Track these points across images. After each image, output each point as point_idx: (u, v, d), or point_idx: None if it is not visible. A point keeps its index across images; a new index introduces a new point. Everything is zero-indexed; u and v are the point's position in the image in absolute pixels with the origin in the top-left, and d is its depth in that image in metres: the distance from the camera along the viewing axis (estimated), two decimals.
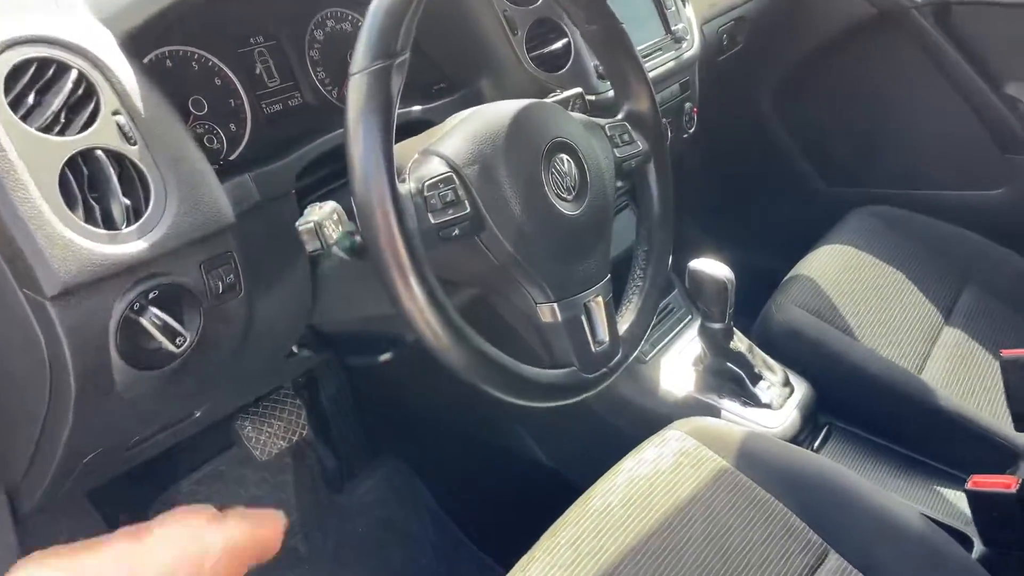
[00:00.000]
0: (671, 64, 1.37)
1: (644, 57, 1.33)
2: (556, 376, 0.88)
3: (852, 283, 1.64)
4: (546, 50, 1.20)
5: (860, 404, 1.46)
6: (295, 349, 1.11)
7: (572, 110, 1.11)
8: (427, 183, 0.79)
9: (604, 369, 0.93)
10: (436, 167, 0.81)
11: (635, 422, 1.38)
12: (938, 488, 1.36)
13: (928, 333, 1.57)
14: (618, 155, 1.00)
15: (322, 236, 0.77)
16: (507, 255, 0.84)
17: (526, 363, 0.85)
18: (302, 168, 0.94)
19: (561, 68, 1.21)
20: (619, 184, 1.05)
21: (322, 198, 0.86)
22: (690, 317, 1.54)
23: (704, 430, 1.24)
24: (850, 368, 1.45)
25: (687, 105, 1.43)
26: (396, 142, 0.80)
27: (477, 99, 1.17)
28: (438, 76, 1.19)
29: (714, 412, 1.36)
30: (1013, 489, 1.06)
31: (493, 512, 1.65)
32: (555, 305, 0.88)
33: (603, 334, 0.93)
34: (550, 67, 1.20)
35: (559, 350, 0.90)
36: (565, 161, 0.90)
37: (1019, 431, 1.28)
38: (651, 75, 1.30)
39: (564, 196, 0.89)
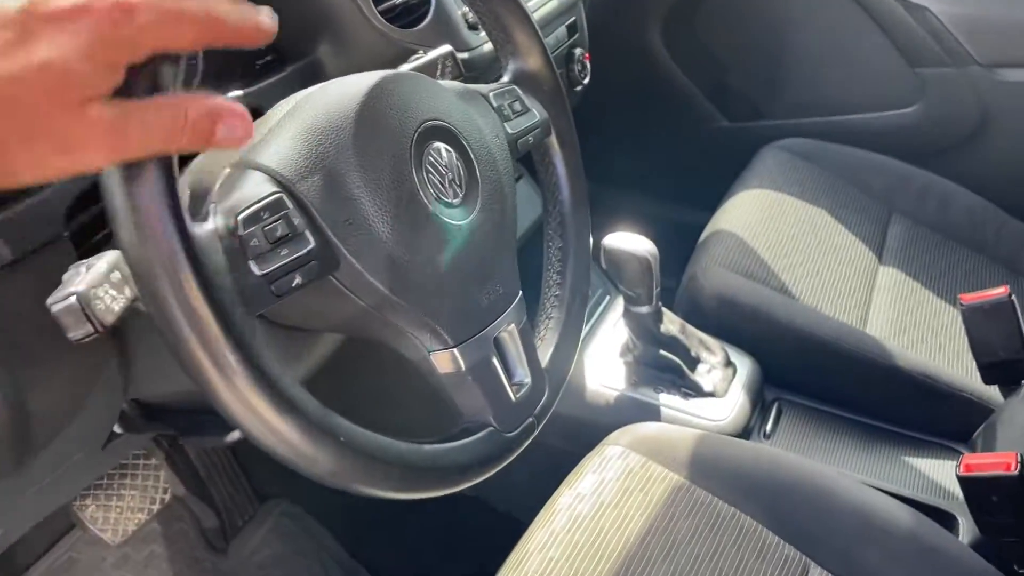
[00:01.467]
0: (553, 3, 1.13)
1: None
2: (467, 448, 0.65)
3: (776, 231, 1.46)
4: (398, 0, 0.94)
5: (808, 372, 1.30)
6: (117, 430, 0.84)
7: (441, 77, 0.86)
8: (243, 215, 0.54)
9: (530, 419, 0.71)
10: (256, 188, 0.56)
11: (566, 436, 1.17)
12: (908, 459, 1.21)
13: (865, 278, 1.42)
14: (510, 130, 0.76)
15: (93, 315, 0.51)
16: (377, 295, 0.60)
17: (427, 424, 0.62)
18: (72, 201, 0.66)
19: (420, 21, 0.95)
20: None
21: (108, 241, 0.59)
22: (609, 298, 1.33)
23: (648, 440, 1.04)
24: (792, 332, 1.28)
25: (577, 51, 1.20)
26: (190, 155, 0.54)
27: (316, 73, 0.90)
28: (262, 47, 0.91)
29: (653, 412, 1.16)
30: (1014, 471, 0.90)
31: (416, 557, 1.42)
32: (455, 351, 0.64)
33: (522, 373, 0.70)
34: (406, 21, 0.94)
35: (468, 407, 0.67)
36: (443, 151, 0.65)
37: (987, 383, 1.13)
38: (538, 16, 1.07)
39: (448, 199, 0.65)
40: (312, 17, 0.89)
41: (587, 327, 1.26)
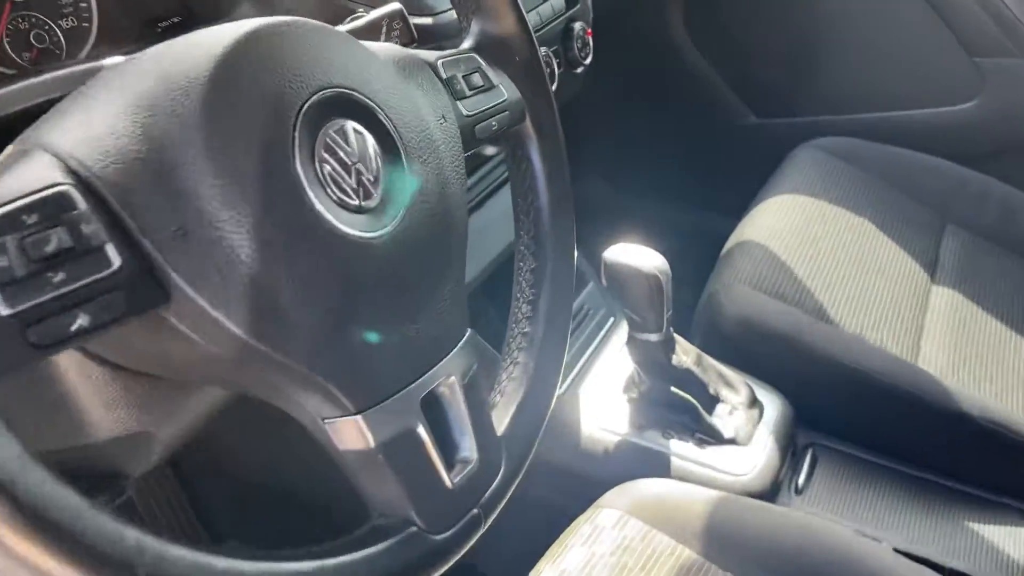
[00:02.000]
0: None
1: None
2: (371, 562, 0.45)
3: (812, 243, 1.25)
4: None
5: (849, 413, 1.09)
6: None
7: (391, 40, 0.67)
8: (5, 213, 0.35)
9: (473, 512, 0.51)
10: (30, 176, 0.37)
11: (556, 489, 0.97)
12: (968, 523, 1.00)
13: (916, 300, 1.21)
14: (465, 111, 0.56)
15: None
16: (232, 341, 0.41)
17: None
18: None
19: None
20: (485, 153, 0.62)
21: None
22: (612, 320, 1.13)
23: (651, 502, 0.85)
24: (829, 365, 1.08)
25: (578, 26, 1.00)
26: None
27: None
28: (161, 5, 0.72)
29: (661, 464, 0.96)
30: None
31: None
32: (358, 420, 0.45)
33: (467, 445, 0.50)
34: None
35: (379, 497, 0.47)
36: (349, 134, 0.46)
37: None
38: None
39: (353, 202, 0.45)
40: None
41: (585, 355, 1.06)
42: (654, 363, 0.97)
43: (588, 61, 1.01)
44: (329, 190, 0.44)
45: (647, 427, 0.99)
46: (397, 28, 0.66)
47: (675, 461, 0.96)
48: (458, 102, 0.56)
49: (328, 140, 0.44)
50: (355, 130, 0.46)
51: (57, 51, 0.71)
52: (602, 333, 1.10)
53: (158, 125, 0.39)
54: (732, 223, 1.34)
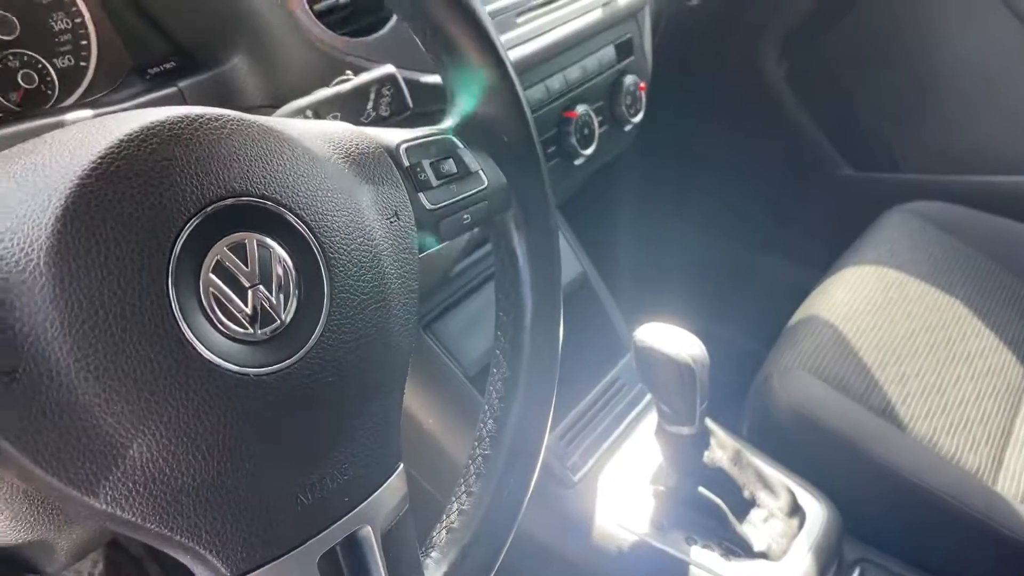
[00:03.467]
0: (598, 13, 0.84)
1: (551, 3, 0.81)
2: None
3: (891, 324, 1.12)
4: None
5: (907, 530, 0.96)
6: None
7: (375, 111, 0.60)
8: None
9: None
10: None
11: None
12: None
13: (1007, 400, 1.06)
14: (429, 204, 0.49)
15: None
16: (71, 499, 0.35)
17: None
18: None
19: (378, 28, 0.69)
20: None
21: None
22: (648, 398, 1.04)
23: None
24: (889, 474, 0.95)
25: (629, 80, 0.90)
26: None
27: (226, 84, 0.66)
28: (160, 45, 0.68)
29: (679, 573, 0.86)
30: None
31: None
32: None
33: None
34: (355, 27, 0.68)
35: None
36: (252, 250, 0.39)
37: None
38: (565, 32, 0.79)
39: (243, 332, 0.38)
40: (226, 11, 0.65)
41: (612, 436, 0.96)
42: (683, 458, 0.87)
43: (638, 119, 0.92)
44: (212, 319, 0.37)
45: (670, 528, 0.89)
46: (387, 95, 0.59)
47: (694, 572, 0.85)
48: (421, 194, 0.49)
49: (221, 259, 0.38)
50: (260, 245, 0.39)
51: (48, 91, 0.67)
52: (634, 412, 1.00)
53: (6, 236, 0.33)
54: (810, 276, 1.23)
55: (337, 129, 0.47)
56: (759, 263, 1.72)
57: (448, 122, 0.53)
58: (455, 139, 0.52)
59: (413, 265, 0.47)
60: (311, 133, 0.45)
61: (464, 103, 0.53)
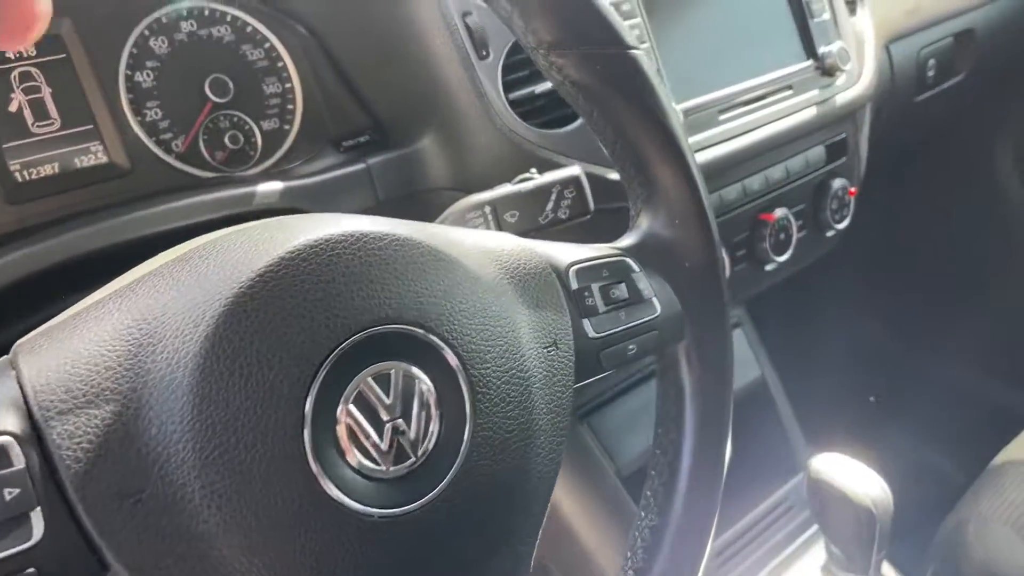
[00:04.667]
0: (812, 112, 0.78)
1: (758, 102, 0.75)
2: None
3: None
4: (539, 89, 0.66)
5: None
6: None
7: (554, 213, 0.57)
8: None
9: None
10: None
11: None
12: None
13: None
14: (593, 332, 0.46)
15: None
16: None
17: None
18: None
19: (567, 122, 0.67)
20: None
21: None
22: (817, 528, 0.94)
23: None
24: None
25: (837, 184, 0.83)
26: None
27: (413, 164, 0.66)
28: (359, 117, 0.69)
29: None
30: None
31: None
32: None
33: None
34: (549, 118, 0.66)
35: None
36: (397, 380, 0.37)
37: None
38: (771, 131, 0.74)
39: (377, 469, 0.36)
40: (423, 90, 0.65)
41: (772, 563, 0.88)
42: None
43: (843, 225, 0.84)
44: (345, 453, 0.35)
45: None
46: (569, 197, 0.56)
47: None
48: (585, 320, 0.45)
49: (363, 389, 0.36)
50: (405, 375, 0.37)
51: (251, 152, 0.70)
52: (800, 540, 0.91)
53: (141, 365, 0.33)
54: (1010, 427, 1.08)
55: (505, 245, 0.45)
56: (977, 387, 1.55)
57: (626, 240, 0.49)
58: (630, 261, 0.48)
59: (566, 399, 0.43)
60: (477, 249, 0.43)
61: (646, 222, 0.49)
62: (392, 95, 0.68)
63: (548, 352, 0.43)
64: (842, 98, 0.81)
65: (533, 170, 0.58)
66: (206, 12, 0.68)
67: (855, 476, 0.73)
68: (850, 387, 1.56)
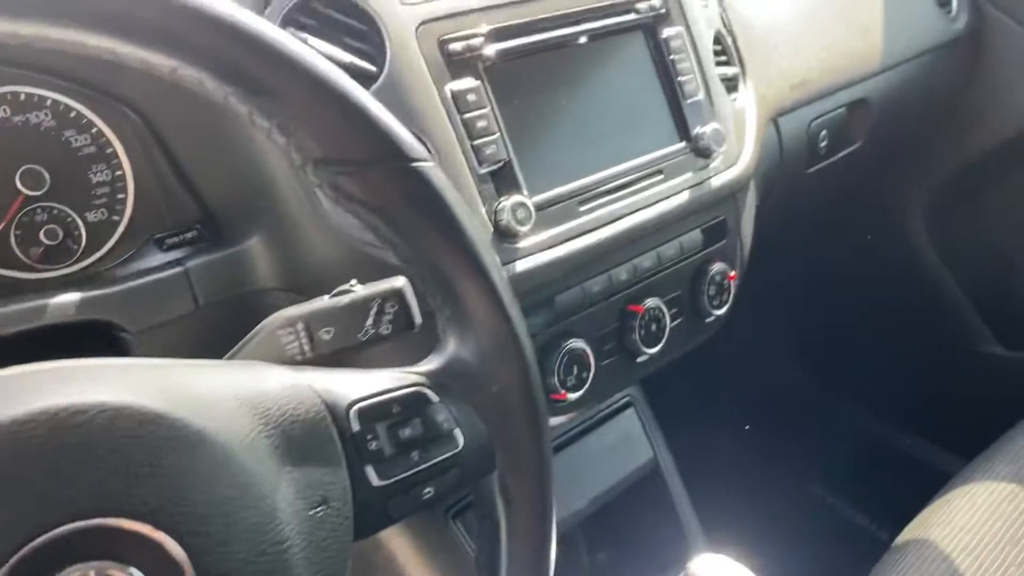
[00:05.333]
0: (685, 197, 0.75)
1: (624, 189, 0.72)
2: None
3: (1019, 568, 0.93)
4: None
5: None
6: None
7: (375, 331, 0.53)
8: None
9: None
10: None
11: None
12: None
13: None
14: (378, 480, 0.41)
15: None
16: None
17: None
18: None
19: None
20: None
21: None
22: None
23: None
24: None
25: (715, 268, 0.80)
26: None
27: (240, 265, 0.61)
28: (191, 208, 0.64)
29: None
30: None
31: None
32: None
33: None
34: None
35: None
36: None
37: None
38: (641, 218, 0.71)
39: None
40: (251, 187, 0.61)
41: None
42: None
43: (722, 312, 0.81)
44: None
45: None
46: (391, 311, 0.52)
47: None
48: (368, 467, 0.41)
49: None
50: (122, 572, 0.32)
51: (74, 246, 0.64)
52: None
53: None
54: (952, 462, 1.06)
55: (269, 387, 0.40)
56: (884, 433, 1.54)
57: (428, 364, 0.45)
58: (427, 392, 0.44)
59: (341, 561, 0.39)
60: (231, 398, 0.38)
61: (452, 344, 0.45)
62: (224, 188, 0.63)
63: (316, 513, 0.38)
64: (718, 180, 0.78)
65: (354, 281, 0.54)
66: (22, 97, 0.63)
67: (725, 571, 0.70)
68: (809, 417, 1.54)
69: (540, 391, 0.46)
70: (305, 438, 0.39)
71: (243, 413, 0.38)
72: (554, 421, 0.72)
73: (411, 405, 0.43)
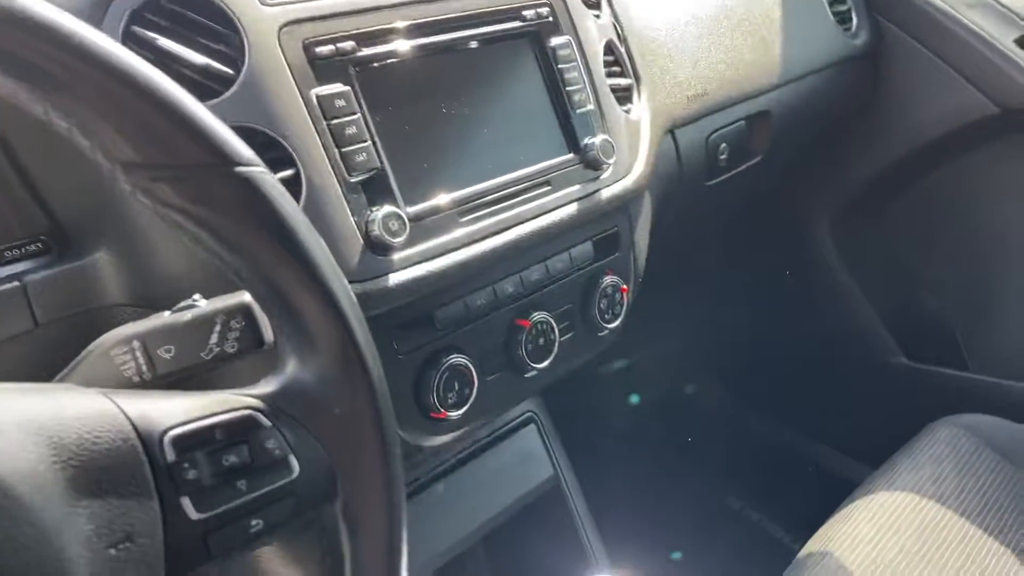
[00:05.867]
0: (573, 208, 0.73)
1: (508, 200, 0.70)
2: None
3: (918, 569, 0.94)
4: None
5: None
6: None
7: (219, 347, 0.50)
8: None
9: None
10: None
11: None
12: None
13: None
14: (196, 512, 0.38)
15: None
16: None
17: None
18: None
19: None
20: None
21: None
22: None
23: None
24: None
25: (607, 281, 0.78)
26: None
27: (85, 279, 0.57)
28: (34, 223, 0.60)
29: None
30: None
31: None
32: None
33: None
34: None
35: None
36: None
37: None
38: (526, 230, 0.69)
39: None
40: (98, 197, 0.57)
41: None
42: None
43: (615, 325, 0.79)
44: None
45: None
46: (237, 328, 0.49)
47: None
48: (184, 499, 0.37)
49: None
50: None
51: None
52: None
53: None
54: (858, 470, 1.07)
55: (67, 414, 0.36)
56: (794, 445, 1.55)
57: (261, 388, 0.42)
58: (258, 416, 0.40)
59: None
60: (21, 426, 0.34)
61: (291, 363, 0.42)
62: (72, 198, 0.59)
63: (117, 552, 0.35)
64: (608, 192, 0.76)
65: (197, 296, 0.50)
66: None
67: None
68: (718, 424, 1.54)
69: (389, 412, 0.43)
70: (108, 469, 0.35)
71: (33, 443, 0.34)
72: (437, 441, 0.69)
73: (237, 431, 0.39)
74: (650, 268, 0.86)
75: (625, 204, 0.80)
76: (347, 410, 0.42)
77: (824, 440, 1.53)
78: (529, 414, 0.95)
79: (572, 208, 0.73)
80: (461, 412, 0.67)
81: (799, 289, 1.48)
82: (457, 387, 0.67)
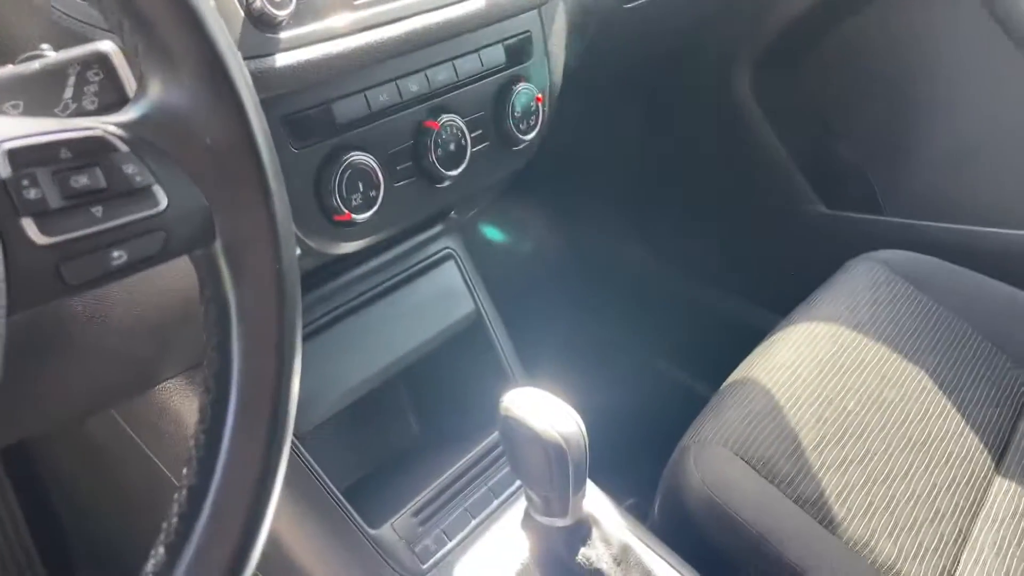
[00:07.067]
0: (478, 3, 0.68)
1: None
2: None
3: (839, 395, 0.96)
4: None
5: None
6: None
7: (75, 102, 0.44)
8: None
9: None
10: None
11: None
12: None
13: (968, 493, 0.90)
14: (43, 237, 0.33)
15: None
16: None
17: None
18: None
19: None
20: None
21: None
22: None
23: None
24: None
25: (521, 88, 0.74)
26: None
27: None
28: None
29: None
30: None
31: None
32: None
33: None
34: None
35: None
36: None
37: None
38: (428, 21, 0.64)
39: None
40: None
41: (476, 520, 0.80)
42: (550, 556, 0.71)
43: (531, 136, 0.75)
44: None
45: None
46: (95, 80, 0.43)
47: None
48: (25, 219, 0.32)
49: None
50: None
51: None
52: (510, 490, 0.83)
53: None
54: (775, 322, 1.07)
55: None
56: (717, 303, 1.56)
57: (124, 115, 0.37)
58: (113, 140, 0.35)
59: None
60: None
61: (155, 88, 0.37)
62: None
63: None
64: None
65: (45, 46, 0.44)
66: None
67: (545, 409, 0.66)
68: (591, 306, 1.53)
69: (269, 144, 0.39)
70: None
71: None
72: (346, 247, 0.65)
73: (86, 151, 0.34)
74: (573, 107, 0.82)
75: (536, 5, 0.75)
76: (219, 139, 0.37)
77: (747, 295, 1.55)
78: (448, 250, 0.91)
79: (478, 2, 0.68)
80: (367, 215, 0.63)
81: (719, 138, 1.47)
82: (362, 188, 0.62)
